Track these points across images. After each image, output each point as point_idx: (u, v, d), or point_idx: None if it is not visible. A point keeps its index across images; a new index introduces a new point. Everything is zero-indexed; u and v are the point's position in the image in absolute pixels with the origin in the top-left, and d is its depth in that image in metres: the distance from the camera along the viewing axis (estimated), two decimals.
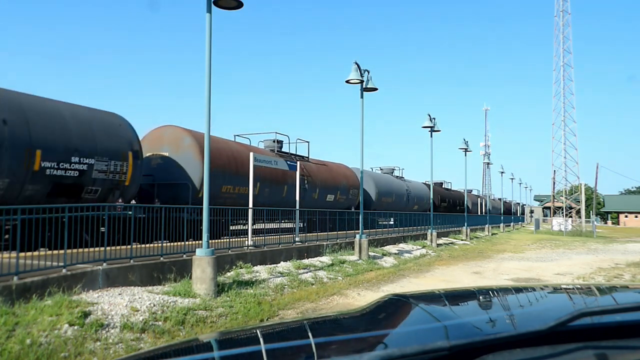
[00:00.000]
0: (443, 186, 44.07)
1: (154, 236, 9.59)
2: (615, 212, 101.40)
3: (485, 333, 1.26)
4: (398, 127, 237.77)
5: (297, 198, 15.94)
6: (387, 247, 19.51)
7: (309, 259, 13.90)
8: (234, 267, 11.02)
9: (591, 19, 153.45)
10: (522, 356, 1.08)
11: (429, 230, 23.62)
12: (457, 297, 1.99)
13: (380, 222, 23.63)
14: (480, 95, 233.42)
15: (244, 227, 13.01)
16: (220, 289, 8.96)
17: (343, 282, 11.70)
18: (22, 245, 6.99)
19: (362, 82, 15.40)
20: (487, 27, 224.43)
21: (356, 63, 15.17)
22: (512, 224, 59.88)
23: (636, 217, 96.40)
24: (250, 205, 13.24)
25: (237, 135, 19.07)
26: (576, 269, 16.35)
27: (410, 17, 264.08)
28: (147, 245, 9.38)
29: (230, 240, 11.57)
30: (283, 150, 20.21)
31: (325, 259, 14.19)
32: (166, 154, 14.32)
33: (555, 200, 56.38)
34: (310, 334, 1.48)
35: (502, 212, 58.93)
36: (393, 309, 1.67)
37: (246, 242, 12.36)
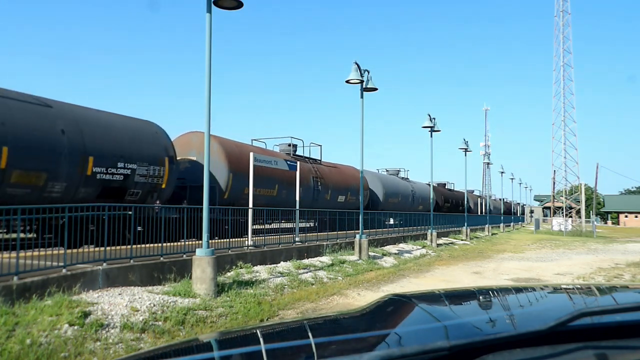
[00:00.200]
0: (446, 187, 44.30)
1: (187, 234, 10.31)
2: (615, 212, 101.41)
3: (485, 333, 1.26)
4: (398, 127, 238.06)
5: (297, 198, 15.96)
6: (387, 247, 19.51)
7: (309, 259, 13.91)
8: (234, 267, 11.02)
9: (591, 19, 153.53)
10: (522, 356, 1.08)
11: (429, 230, 23.62)
12: (457, 297, 1.99)
13: (386, 222, 24.12)
14: (480, 95, 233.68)
15: (261, 227, 13.83)
16: (220, 289, 8.96)
17: (343, 282, 11.70)
18: (69, 241, 7.75)
19: (362, 82, 15.40)
20: (487, 27, 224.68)
21: (356, 63, 15.17)
22: (512, 224, 59.88)
23: (636, 217, 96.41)
24: (250, 205, 13.25)
25: (255, 140, 19.62)
26: (576, 269, 16.35)
27: (410, 17, 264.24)
28: (148, 245, 9.40)
29: (230, 240, 11.58)
30: (297, 153, 20.87)
31: (325, 259, 14.19)
32: (194, 158, 15.04)
33: (555, 200, 56.38)
34: (310, 334, 1.48)
35: (502, 212, 58.96)
36: (393, 309, 1.67)
37: (246, 242, 12.36)
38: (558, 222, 50.09)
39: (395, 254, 18.12)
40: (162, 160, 13.07)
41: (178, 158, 14.74)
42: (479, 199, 53.20)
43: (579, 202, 53.39)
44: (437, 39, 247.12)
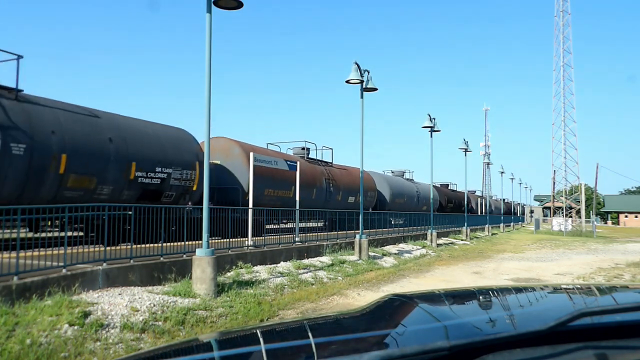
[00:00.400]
0: (449, 187, 44.46)
1: (215, 233, 11.06)
2: (615, 212, 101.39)
3: (485, 333, 1.26)
4: (398, 127, 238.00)
5: (297, 198, 15.97)
6: (387, 247, 19.51)
7: (309, 259, 13.90)
8: (234, 267, 11.02)
9: (591, 19, 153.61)
10: (522, 356, 1.08)
11: (429, 230, 23.62)
12: (457, 297, 1.99)
13: (392, 222, 24.68)
14: (480, 95, 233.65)
15: (277, 226, 14.70)
16: (220, 289, 8.95)
17: (343, 282, 11.69)
18: (99, 238, 8.54)
19: (362, 82, 15.39)
20: (487, 27, 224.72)
21: (356, 63, 15.17)
22: (512, 224, 59.87)
23: (636, 217, 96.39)
24: (250, 205, 13.26)
25: (270, 143, 20.32)
26: (576, 269, 16.34)
27: (410, 17, 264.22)
28: (148, 245, 9.40)
29: (230, 240, 11.59)
30: (310, 156, 21.70)
31: (325, 259, 14.19)
32: (218, 161, 15.91)
33: (555, 200, 56.38)
34: (310, 334, 1.48)
35: (502, 212, 58.97)
36: (393, 309, 1.67)
37: (246, 242, 12.36)
38: (558, 222, 50.08)
39: (395, 254, 18.12)
40: (193, 165, 14.06)
41: None
42: (479, 199, 53.20)
43: (579, 202, 53.38)
44: (437, 39, 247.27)
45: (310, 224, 16.57)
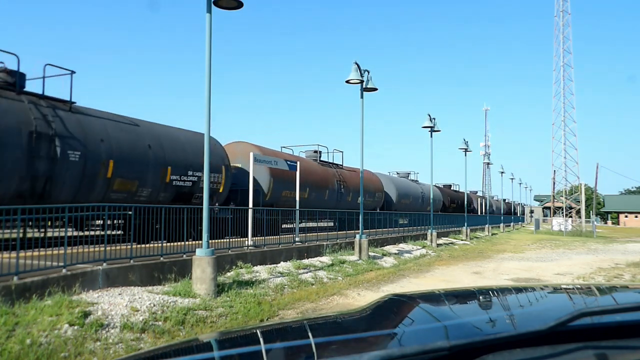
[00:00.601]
0: (452, 188, 44.68)
1: (236, 231, 12.10)
2: (615, 212, 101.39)
3: (485, 333, 1.26)
4: (398, 127, 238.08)
5: (297, 198, 16.00)
6: (387, 247, 19.51)
7: (309, 259, 13.90)
8: (234, 267, 11.02)
9: (591, 19, 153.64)
10: (522, 356, 1.08)
11: (429, 230, 23.62)
12: (457, 297, 1.99)
13: (399, 222, 25.35)
14: (480, 95, 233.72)
15: (292, 226, 15.62)
16: (220, 289, 8.95)
17: (343, 282, 11.69)
18: (137, 236, 9.35)
19: (362, 82, 15.39)
20: (487, 27, 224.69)
21: (356, 63, 15.17)
22: (512, 224, 59.87)
23: (636, 217, 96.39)
24: (250, 205, 13.26)
25: (284, 147, 21.26)
26: (576, 269, 16.34)
27: (410, 17, 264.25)
28: (147, 245, 9.42)
29: (230, 240, 11.60)
30: (322, 159, 22.71)
31: (325, 259, 14.19)
32: (239, 165, 16.77)
33: (555, 200, 56.38)
34: (310, 334, 1.48)
35: (502, 212, 58.98)
36: (393, 309, 1.67)
37: (246, 242, 12.36)
38: (558, 222, 50.08)
39: (395, 254, 18.12)
40: (220, 168, 15.11)
41: None
42: (479, 199, 53.23)
43: (579, 202, 53.39)
44: (437, 39, 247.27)
45: (321, 224, 17.56)
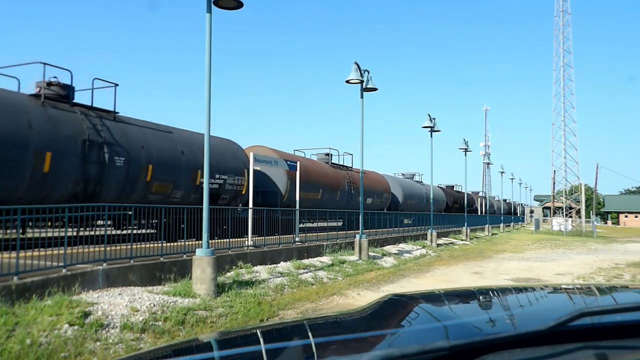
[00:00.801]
0: (454, 189, 44.86)
1: (258, 230, 12.96)
2: (615, 212, 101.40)
3: (485, 333, 1.26)
4: (398, 127, 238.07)
5: (297, 198, 16.03)
6: (387, 247, 19.51)
7: (309, 259, 13.90)
8: (234, 267, 11.02)
9: (591, 19, 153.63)
10: (522, 356, 1.08)
11: (429, 230, 23.62)
12: (457, 297, 1.99)
13: (405, 222, 26.10)
14: (480, 95, 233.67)
15: (305, 225, 16.40)
16: (220, 289, 8.95)
17: (343, 282, 11.70)
18: (168, 235, 9.98)
19: (362, 82, 15.39)
20: (487, 27, 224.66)
21: (356, 63, 15.17)
22: (512, 224, 59.86)
23: (636, 217, 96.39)
24: (250, 205, 13.26)
25: (296, 150, 22.03)
26: (576, 269, 16.35)
27: (410, 17, 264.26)
28: (147, 245, 9.42)
29: (230, 240, 11.60)
30: (333, 162, 23.61)
31: (325, 259, 14.19)
32: (259, 168, 17.06)
33: (555, 200, 56.38)
34: (310, 334, 1.48)
35: (502, 212, 58.99)
36: (393, 309, 1.67)
37: (246, 242, 12.37)
38: (558, 222, 50.09)
39: (395, 254, 18.12)
40: (242, 171, 16.07)
41: None
42: (479, 199, 53.25)
43: (579, 202, 53.40)
44: (437, 39, 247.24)
45: (331, 224, 18.70)
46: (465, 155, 32.27)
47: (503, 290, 2.00)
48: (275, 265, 12.23)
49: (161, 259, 9.27)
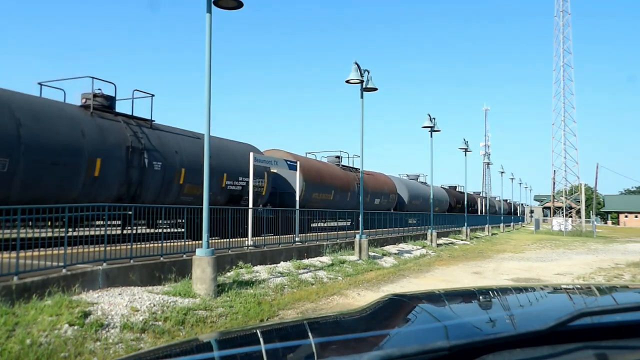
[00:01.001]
0: (457, 189, 45.02)
1: (276, 229, 13.89)
2: (615, 212, 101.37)
3: (485, 333, 1.26)
4: (398, 127, 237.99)
5: (297, 198, 16.03)
6: (387, 247, 19.51)
7: (309, 259, 13.90)
8: (234, 267, 11.02)
9: (591, 19, 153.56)
10: (522, 356, 1.08)
11: (429, 230, 23.62)
12: (457, 297, 1.99)
13: (410, 222, 26.78)
14: (480, 95, 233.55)
15: (317, 225, 17.27)
16: (220, 289, 8.95)
17: (343, 282, 11.69)
18: (193, 233, 10.49)
19: (362, 82, 15.39)
20: (487, 27, 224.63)
21: (356, 63, 15.17)
22: (512, 224, 59.84)
23: (636, 217, 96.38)
24: (250, 205, 13.27)
25: (308, 153, 23.13)
26: (576, 269, 16.35)
27: (410, 17, 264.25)
28: (148, 245, 9.43)
29: (230, 240, 11.60)
30: (343, 164, 24.70)
31: (325, 259, 14.19)
32: (276, 171, 17.96)
33: (555, 200, 56.38)
34: (310, 334, 1.48)
35: (502, 212, 58.98)
36: (393, 309, 1.67)
37: (246, 242, 12.37)
38: (558, 222, 50.07)
39: (395, 254, 18.12)
40: (263, 174, 16.96)
41: None
42: (479, 199, 53.26)
43: (579, 202, 53.39)
44: (437, 39, 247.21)
45: (341, 223, 19.66)
46: (465, 155, 32.30)
47: (503, 290, 2.00)
48: (275, 265, 12.23)
49: (161, 258, 9.27)
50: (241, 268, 11.06)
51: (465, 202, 37.07)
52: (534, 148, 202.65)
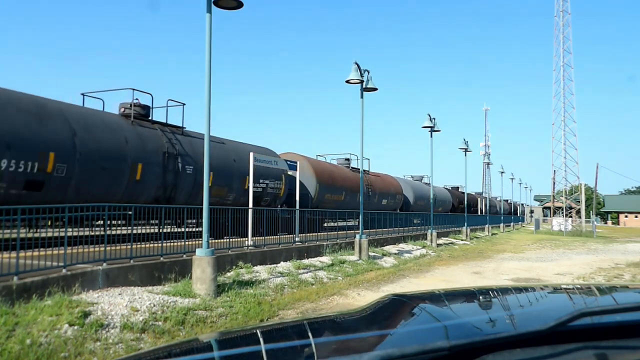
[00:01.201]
0: (459, 190, 45.18)
1: (284, 229, 14.64)
2: (615, 212, 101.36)
3: (485, 333, 1.26)
4: (398, 127, 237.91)
5: (297, 198, 16.04)
6: (387, 247, 19.52)
7: (309, 259, 13.91)
8: (234, 267, 11.02)
9: (591, 19, 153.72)
10: (522, 356, 1.08)
11: (429, 230, 23.62)
12: (457, 297, 1.99)
13: (414, 222, 27.41)
14: (480, 95, 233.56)
15: (328, 225, 18.28)
16: (220, 289, 8.95)
17: (343, 282, 11.70)
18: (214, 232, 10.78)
19: (362, 82, 15.40)
20: (487, 27, 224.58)
21: (356, 63, 15.17)
22: (512, 224, 59.84)
23: (636, 217, 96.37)
24: (250, 205, 13.27)
25: (319, 155, 24.04)
26: (576, 269, 16.35)
27: (410, 17, 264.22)
28: (148, 245, 9.43)
29: (230, 240, 11.61)
30: (352, 166, 25.24)
31: (325, 259, 14.19)
32: (290, 173, 18.31)
33: (555, 200, 56.38)
34: (310, 334, 1.48)
35: (502, 212, 58.98)
36: (393, 309, 1.67)
37: (246, 242, 12.37)
38: (558, 222, 50.08)
39: (395, 254, 18.12)
40: (280, 177, 17.90)
41: None
42: (479, 199, 53.27)
43: (579, 202, 53.40)
44: (437, 39, 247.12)
45: (349, 223, 20.07)
46: (465, 155, 32.30)
47: (503, 290, 2.00)
48: (275, 265, 12.23)
49: (161, 259, 9.27)
50: (241, 268, 11.06)
51: (465, 202, 37.09)
52: (534, 148, 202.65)
